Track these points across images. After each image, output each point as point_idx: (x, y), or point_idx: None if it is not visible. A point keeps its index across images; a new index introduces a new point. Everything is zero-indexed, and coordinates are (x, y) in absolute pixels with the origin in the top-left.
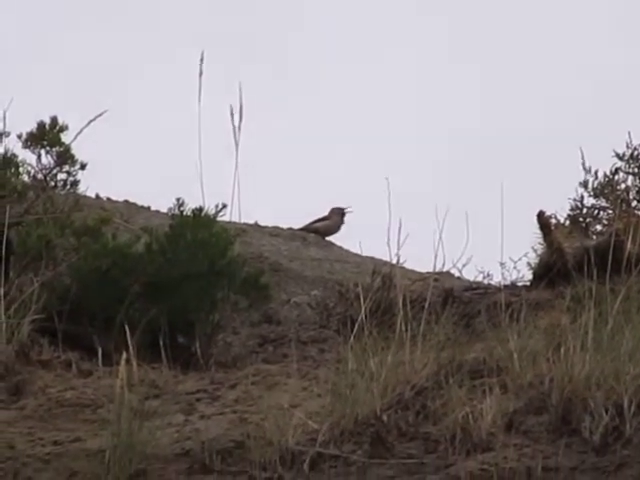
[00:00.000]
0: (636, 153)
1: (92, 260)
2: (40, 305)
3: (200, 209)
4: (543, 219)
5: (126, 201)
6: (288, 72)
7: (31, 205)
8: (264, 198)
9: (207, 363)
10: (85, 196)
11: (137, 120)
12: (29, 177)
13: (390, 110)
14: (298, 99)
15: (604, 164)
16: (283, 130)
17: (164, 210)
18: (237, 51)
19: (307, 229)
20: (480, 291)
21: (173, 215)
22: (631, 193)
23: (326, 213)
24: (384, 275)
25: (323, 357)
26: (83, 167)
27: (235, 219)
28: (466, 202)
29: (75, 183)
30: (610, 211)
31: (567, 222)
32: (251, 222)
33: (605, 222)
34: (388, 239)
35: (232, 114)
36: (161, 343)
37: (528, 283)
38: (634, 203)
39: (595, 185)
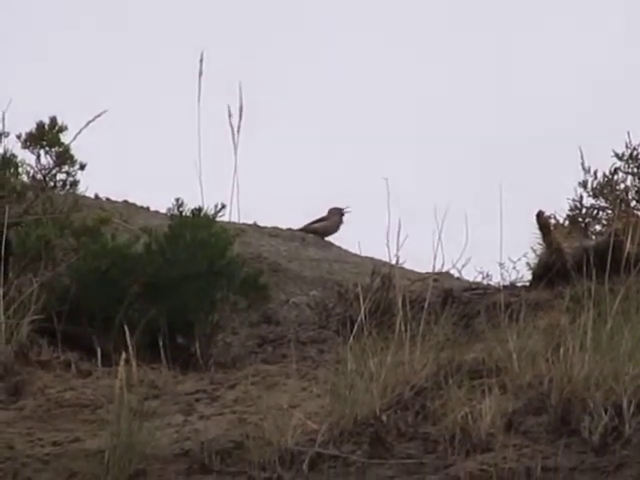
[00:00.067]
0: (635, 153)
1: (91, 260)
2: (39, 305)
3: (199, 209)
4: (542, 219)
5: (125, 201)
6: (287, 72)
7: (30, 205)
8: (263, 198)
9: (206, 363)
10: (84, 196)
11: (136, 120)
12: (28, 177)
13: (389, 110)
14: (297, 99)
15: (603, 164)
16: (282, 130)
17: (163, 210)
18: (237, 51)
19: (306, 229)
20: (479, 291)
21: (172, 215)
22: (630, 193)
23: (325, 213)
24: (383, 275)
25: (322, 357)
26: (82, 167)
27: (234, 219)
28: (465, 202)
29: (74, 183)
30: (609, 211)
31: (566, 222)
32: (250, 222)
33: (604, 222)
34: (387, 239)
35: (231, 114)
36: (160, 343)
37: (527, 283)
38: (633, 203)
39: (594, 185)
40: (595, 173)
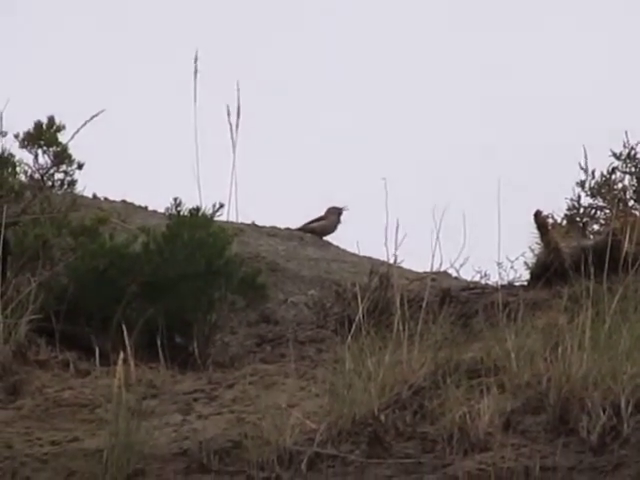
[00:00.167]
0: (633, 152)
1: (89, 260)
2: (37, 305)
3: (197, 209)
4: (540, 219)
5: (123, 201)
6: (286, 71)
7: (28, 205)
8: (261, 198)
9: (204, 363)
10: (82, 196)
11: (134, 119)
12: (26, 177)
13: (388, 110)
14: (296, 99)
15: (601, 164)
16: (280, 130)
17: (161, 210)
18: (236, 51)
19: (304, 229)
20: (477, 291)
21: (170, 215)
22: (628, 193)
23: (323, 213)
24: (381, 275)
25: (321, 357)
26: (80, 167)
27: (232, 219)
28: (463, 202)
29: (72, 183)
30: (607, 211)
31: (564, 222)
32: (248, 222)
33: (602, 222)
34: (385, 239)
35: (229, 113)
36: (158, 343)
37: (525, 283)
38: (631, 203)
39: (592, 185)
40: (593, 173)
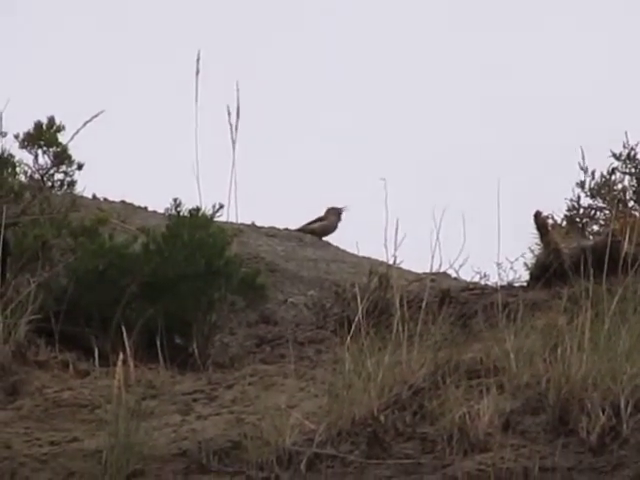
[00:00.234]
0: (633, 153)
1: (89, 260)
2: (37, 305)
3: (197, 209)
4: (540, 219)
5: (123, 201)
6: (286, 71)
7: (28, 205)
8: (261, 198)
9: (204, 363)
10: (82, 196)
11: (134, 120)
12: (26, 177)
13: (388, 110)
14: (296, 99)
15: (601, 164)
16: (280, 130)
17: (161, 210)
18: (236, 51)
19: (304, 230)
20: (477, 291)
21: (170, 215)
22: (628, 193)
23: (323, 213)
24: (381, 275)
25: (320, 357)
26: (80, 167)
27: (232, 219)
28: (463, 202)
29: (72, 183)
30: (607, 211)
31: (564, 222)
32: (248, 222)
33: (602, 222)
34: (385, 239)
35: (229, 113)
36: (158, 343)
37: (525, 283)
38: (631, 203)
39: (592, 185)
40: (593, 173)
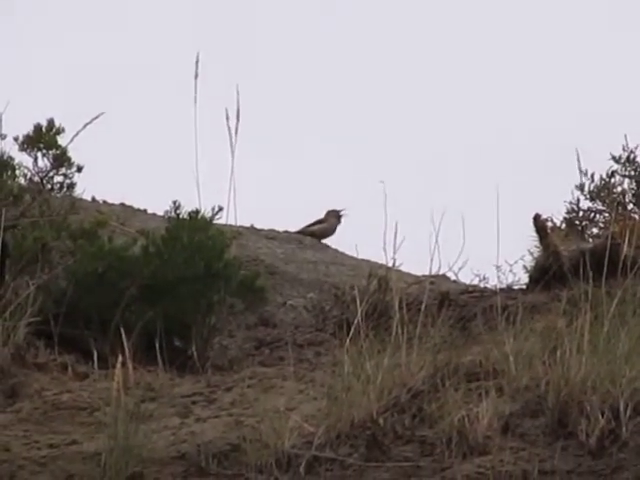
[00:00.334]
0: (632, 156)
1: (88, 263)
2: (36, 308)
3: (196, 212)
4: (539, 222)
5: (122, 204)
6: (284, 74)
7: (27, 208)
8: (260, 201)
9: (203, 366)
10: (81, 199)
11: (134, 122)
12: (25, 180)
13: (387, 112)
14: (295, 100)
15: (600, 167)
16: (279, 133)
17: (160, 213)
18: (236, 53)
19: (303, 232)
20: (476, 294)
21: (169, 218)
22: (627, 196)
23: (322, 216)
24: (380, 278)
25: (319, 360)
26: (79, 170)
27: (231, 222)
28: (462, 205)
29: (71, 186)
30: (606, 214)
31: (563, 225)
32: (247, 225)
33: (601, 225)
34: (384, 242)
35: (228, 117)
36: (157, 346)
37: (524, 286)
38: (630, 206)
39: (591, 188)
40: (592, 176)
